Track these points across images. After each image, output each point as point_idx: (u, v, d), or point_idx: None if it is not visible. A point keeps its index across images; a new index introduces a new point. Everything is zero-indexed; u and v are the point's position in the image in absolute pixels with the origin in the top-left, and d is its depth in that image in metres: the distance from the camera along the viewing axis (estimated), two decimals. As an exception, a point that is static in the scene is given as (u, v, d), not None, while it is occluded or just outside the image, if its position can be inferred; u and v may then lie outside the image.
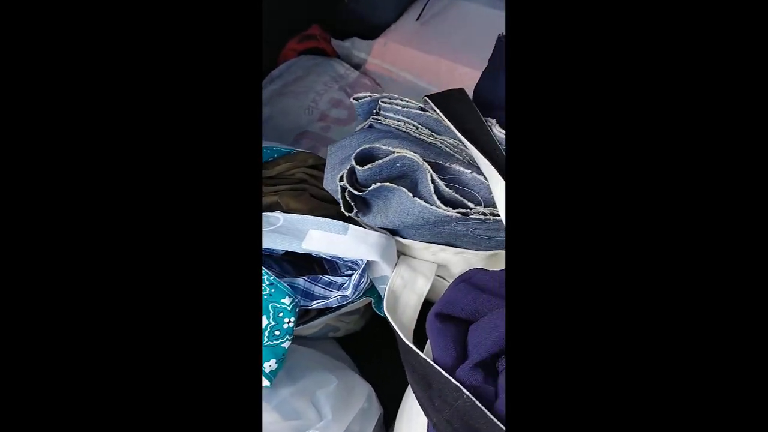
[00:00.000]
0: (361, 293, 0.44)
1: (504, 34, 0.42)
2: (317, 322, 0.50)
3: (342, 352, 0.56)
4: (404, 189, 0.33)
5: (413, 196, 0.33)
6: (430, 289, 0.46)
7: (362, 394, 0.47)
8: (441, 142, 0.39)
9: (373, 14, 0.78)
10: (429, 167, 0.33)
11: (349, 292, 0.42)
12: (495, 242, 0.37)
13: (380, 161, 0.34)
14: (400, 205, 0.34)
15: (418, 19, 0.74)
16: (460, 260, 0.42)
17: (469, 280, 0.37)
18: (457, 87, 0.50)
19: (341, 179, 0.36)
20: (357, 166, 0.34)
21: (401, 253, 0.45)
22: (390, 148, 0.34)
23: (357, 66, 0.78)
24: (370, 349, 0.58)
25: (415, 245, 0.42)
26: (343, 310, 0.49)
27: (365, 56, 0.78)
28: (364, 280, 0.42)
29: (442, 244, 0.41)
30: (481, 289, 0.36)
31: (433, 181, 0.33)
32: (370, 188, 0.34)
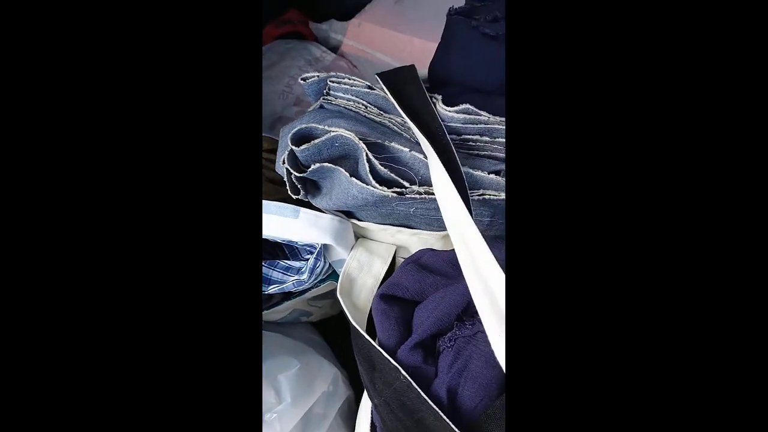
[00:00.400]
0: (318, 277, 0.44)
1: (454, 7, 0.41)
2: (283, 306, 0.50)
3: (316, 336, 0.56)
4: (342, 169, 0.33)
5: (350, 176, 0.32)
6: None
7: (327, 377, 0.47)
8: (389, 121, 0.38)
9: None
10: (365, 147, 0.32)
11: (305, 276, 0.42)
12: (443, 222, 0.36)
13: (316, 141, 0.33)
14: (341, 185, 0.34)
15: (392, -2, 0.73)
16: (417, 241, 0.42)
17: (418, 260, 0.37)
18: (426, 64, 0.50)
19: (284, 161, 0.35)
20: (294, 147, 0.33)
21: (360, 236, 0.44)
22: (326, 128, 0.33)
23: (335, 48, 0.77)
24: (346, 333, 0.58)
25: (371, 227, 0.42)
26: (311, 294, 0.49)
27: (342, 38, 0.77)
28: (320, 264, 0.42)
29: (398, 225, 0.41)
30: (429, 269, 0.36)
31: (369, 160, 0.32)
32: (310, 169, 0.34)
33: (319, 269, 0.42)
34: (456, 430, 0.27)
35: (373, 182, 0.31)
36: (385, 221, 0.40)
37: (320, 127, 0.34)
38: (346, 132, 0.32)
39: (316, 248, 0.41)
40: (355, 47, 0.75)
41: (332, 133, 0.33)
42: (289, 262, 0.44)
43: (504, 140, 0.35)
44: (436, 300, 0.33)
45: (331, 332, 0.60)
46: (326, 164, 0.33)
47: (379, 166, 0.32)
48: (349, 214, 0.42)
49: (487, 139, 0.35)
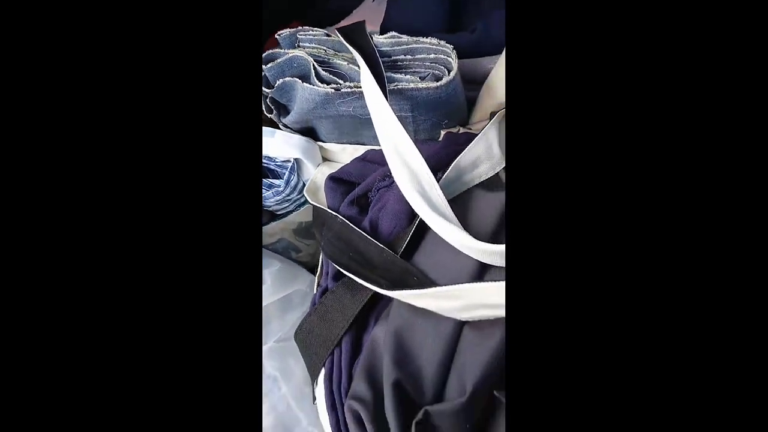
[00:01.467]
0: (294, 191, 0.54)
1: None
2: (270, 227, 0.60)
3: (303, 270, 0.66)
4: (298, 79, 0.44)
5: (303, 82, 0.43)
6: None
7: (305, 280, 0.56)
8: (342, 57, 0.49)
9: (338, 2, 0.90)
10: (312, 60, 0.43)
11: (281, 186, 0.52)
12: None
13: (279, 60, 0.45)
14: (297, 93, 0.45)
15: (374, 0, 0.86)
16: (371, 157, 0.52)
17: (364, 157, 0.47)
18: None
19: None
20: (264, 67, 0.45)
21: (325, 159, 0.55)
22: (286, 51, 0.45)
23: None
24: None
25: (333, 148, 0.52)
26: (294, 219, 0.59)
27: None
28: (293, 177, 0.53)
29: (354, 144, 0.51)
30: (371, 161, 0.46)
31: (314, 68, 0.43)
32: (277, 84, 0.45)
33: (293, 182, 0.53)
34: (376, 242, 0.37)
35: (317, 82, 0.43)
36: (342, 139, 0.51)
37: (282, 51, 0.45)
38: (299, 51, 0.44)
39: (290, 163, 0.52)
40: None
41: (290, 55, 0.44)
42: (271, 180, 0.54)
43: (423, 56, 0.45)
44: (370, 176, 0.43)
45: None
46: (287, 79, 0.45)
47: (322, 72, 0.43)
48: (315, 137, 0.52)
49: (410, 57, 0.46)
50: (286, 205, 0.57)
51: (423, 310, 0.30)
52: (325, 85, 0.43)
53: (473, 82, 0.48)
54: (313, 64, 0.43)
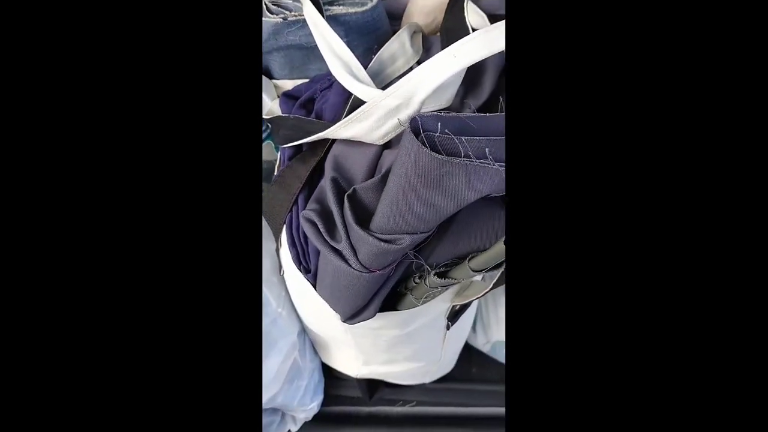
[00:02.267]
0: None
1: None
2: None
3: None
4: (252, 16, 0.54)
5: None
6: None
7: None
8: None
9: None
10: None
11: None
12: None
13: None
14: (253, 28, 0.55)
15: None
16: (319, 89, 0.62)
17: (311, 80, 0.58)
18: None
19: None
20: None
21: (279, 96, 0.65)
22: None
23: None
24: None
25: (286, 84, 0.63)
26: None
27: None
28: (255, 110, 0.63)
29: (303, 79, 0.62)
30: (316, 82, 0.57)
31: (265, 4, 0.54)
32: (235, 24, 0.55)
33: (255, 115, 0.63)
34: (321, 121, 0.47)
35: (268, 14, 0.53)
36: (293, 74, 0.61)
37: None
38: (252, -7, 0.54)
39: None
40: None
41: (245, -4, 0.55)
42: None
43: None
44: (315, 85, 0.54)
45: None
46: (243, 17, 0.55)
47: (272, 6, 0.53)
48: (269, 77, 0.63)
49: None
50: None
51: (354, 142, 0.40)
52: (275, 16, 0.53)
53: (395, 18, 0.60)
54: (265, 2, 0.54)
